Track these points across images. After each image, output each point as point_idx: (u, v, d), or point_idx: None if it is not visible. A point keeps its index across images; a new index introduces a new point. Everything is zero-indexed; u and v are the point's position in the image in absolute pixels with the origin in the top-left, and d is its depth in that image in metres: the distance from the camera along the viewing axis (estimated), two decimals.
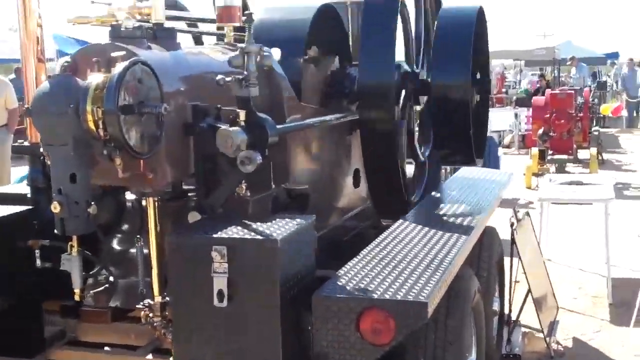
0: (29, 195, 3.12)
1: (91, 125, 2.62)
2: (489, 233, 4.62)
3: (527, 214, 5.58)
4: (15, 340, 3.06)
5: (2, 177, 8.82)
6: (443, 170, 5.66)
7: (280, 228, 2.71)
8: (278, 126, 3.27)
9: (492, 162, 9.79)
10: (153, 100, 2.75)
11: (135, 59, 2.69)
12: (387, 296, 2.65)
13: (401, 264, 3.04)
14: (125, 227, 3.31)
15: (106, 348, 3.37)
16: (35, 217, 2.98)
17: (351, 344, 2.64)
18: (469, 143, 4.42)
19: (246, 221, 2.79)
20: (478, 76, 4.64)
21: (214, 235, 2.62)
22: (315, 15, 4.40)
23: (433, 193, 4.70)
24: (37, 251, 3.09)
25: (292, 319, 2.67)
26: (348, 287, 2.74)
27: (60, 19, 3.32)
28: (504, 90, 23.06)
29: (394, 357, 3.34)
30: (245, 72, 3.01)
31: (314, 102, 4.45)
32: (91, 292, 3.07)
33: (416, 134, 4.69)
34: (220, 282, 2.58)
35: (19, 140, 3.23)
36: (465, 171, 5.39)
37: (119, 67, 2.61)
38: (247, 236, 2.62)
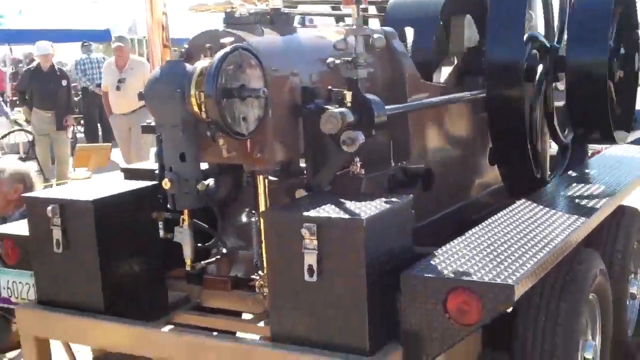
0: (156, 172, 3.37)
1: (195, 108, 2.82)
2: (629, 213, 4.44)
3: None
4: (142, 305, 3.33)
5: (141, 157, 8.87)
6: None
7: (373, 207, 2.78)
8: (389, 106, 3.34)
9: None
10: (255, 84, 2.90)
11: (236, 45, 2.85)
12: (475, 277, 2.66)
13: (503, 245, 3.03)
14: (242, 202, 3.49)
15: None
16: (160, 191, 3.22)
17: (439, 323, 2.68)
18: (607, 121, 4.25)
19: (343, 199, 2.88)
20: (622, 51, 4.43)
21: (305, 213, 2.74)
22: None
23: (570, 172, 4.58)
24: (160, 223, 3.36)
25: (382, 295, 2.74)
26: (440, 267, 2.78)
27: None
28: None
29: (503, 336, 3.38)
30: (354, 54, 3.10)
31: (448, 79, 4.46)
32: (202, 262, 3.28)
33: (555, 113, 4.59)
34: (310, 258, 2.69)
35: (147, 121, 3.49)
36: (615, 149, 5.18)
37: (219, 53, 2.78)
38: (335, 215, 2.71)
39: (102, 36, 17.42)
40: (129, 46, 10.25)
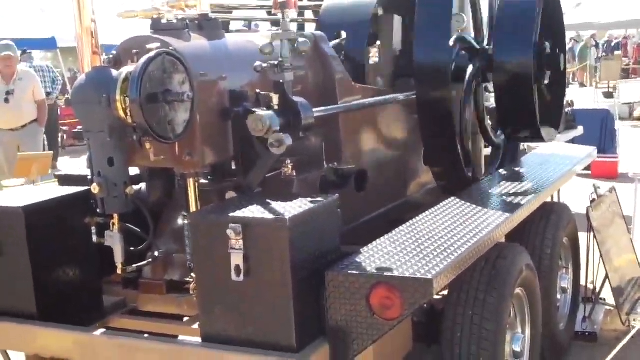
0: (89, 177, 3.40)
1: (121, 113, 2.86)
2: (558, 209, 4.58)
3: (612, 190, 5.44)
4: (76, 310, 3.35)
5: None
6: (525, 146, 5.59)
7: (298, 207, 2.84)
8: (317, 109, 3.42)
9: (607, 136, 9.49)
10: (181, 88, 2.95)
11: (160, 50, 2.90)
12: (396, 273, 2.75)
13: (427, 242, 3.12)
14: (175, 205, 3.53)
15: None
16: (92, 196, 3.24)
17: (363, 318, 2.77)
18: (534, 120, 4.37)
19: (270, 200, 2.94)
20: (548, 51, 4.56)
21: (230, 214, 2.80)
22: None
23: (501, 170, 4.70)
24: (93, 228, 3.39)
25: (308, 293, 2.81)
26: (364, 264, 2.86)
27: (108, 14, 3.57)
28: None
29: (432, 331, 3.47)
30: (280, 58, 3.17)
31: (380, 82, 4.55)
32: (133, 266, 3.32)
33: (486, 114, 4.71)
34: (237, 258, 2.75)
35: (79, 127, 3.51)
36: (546, 147, 5.32)
37: (143, 59, 2.83)
38: (259, 215, 2.77)
39: (48, 44, 17.28)
40: (17, 55, 9.23)
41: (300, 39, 3.22)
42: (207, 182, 3.37)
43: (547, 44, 4.48)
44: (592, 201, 5.05)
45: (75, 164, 9.60)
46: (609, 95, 19.20)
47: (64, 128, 14.51)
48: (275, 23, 4.91)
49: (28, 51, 14.55)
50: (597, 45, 26.79)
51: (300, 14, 5.05)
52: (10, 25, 16.56)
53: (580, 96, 16.32)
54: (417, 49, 4.05)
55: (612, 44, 27.06)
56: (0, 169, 8.99)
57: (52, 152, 9.62)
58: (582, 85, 25.04)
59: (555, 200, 5.34)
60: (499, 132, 4.85)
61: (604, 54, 25.74)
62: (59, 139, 13.92)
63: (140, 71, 2.79)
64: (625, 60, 24.73)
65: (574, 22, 20.51)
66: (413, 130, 4.48)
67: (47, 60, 19.98)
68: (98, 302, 3.50)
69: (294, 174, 3.37)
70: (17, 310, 3.27)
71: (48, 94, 12.78)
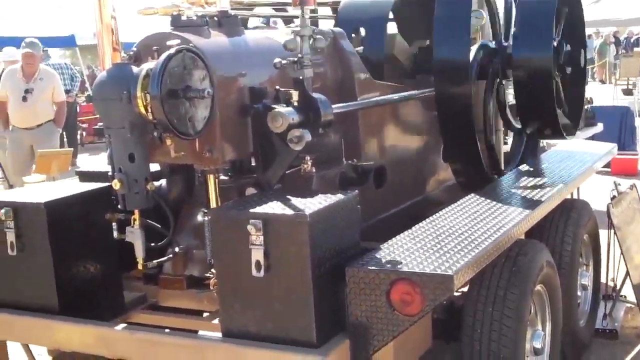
0: (109, 173, 3.42)
1: (142, 109, 2.88)
2: (578, 206, 4.55)
3: (633, 186, 5.40)
4: (97, 305, 3.38)
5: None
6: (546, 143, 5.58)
7: (317, 203, 2.85)
8: (337, 105, 3.42)
9: (627, 133, 9.44)
10: (201, 85, 2.96)
11: (181, 46, 2.91)
12: (417, 269, 2.74)
13: (447, 238, 3.11)
14: (195, 201, 3.54)
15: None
16: (112, 192, 3.27)
17: (383, 314, 2.76)
18: (554, 117, 4.36)
19: (289, 196, 2.95)
20: (568, 48, 4.54)
21: (250, 210, 2.80)
22: None
23: (521, 166, 4.68)
24: (114, 224, 3.41)
25: (328, 289, 2.81)
26: (384, 260, 2.86)
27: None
28: None
29: (452, 328, 3.46)
30: (300, 55, 3.17)
31: (399, 78, 4.54)
32: (154, 261, 3.34)
33: (508, 105, 4.70)
34: (257, 254, 2.76)
35: (99, 124, 3.54)
36: (566, 144, 5.29)
37: (164, 55, 2.84)
38: (280, 211, 2.78)
39: (67, 42, 17.37)
40: (40, 53, 9.09)
41: (317, 36, 3.22)
42: (226, 178, 3.38)
43: (565, 40, 4.47)
44: (613, 198, 5.02)
45: (95, 161, 9.62)
46: (628, 92, 19.07)
47: (83, 125, 14.61)
48: (291, 20, 4.94)
49: (44, 49, 14.63)
50: (617, 42, 26.59)
51: (313, 11, 5.05)
52: (29, 23, 16.66)
53: (600, 93, 16.22)
54: (437, 45, 4.04)
55: (632, 40, 26.84)
56: (5, 167, 8.99)
57: (72, 149, 9.64)
58: (602, 82, 24.87)
59: (575, 197, 5.31)
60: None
61: (623, 50, 25.54)
62: (78, 136, 14.01)
63: (161, 67, 2.80)
64: None
65: (593, 19, 20.36)
66: (432, 126, 4.47)
67: (65, 58, 20.09)
68: (119, 297, 3.52)
69: (313, 170, 3.37)
70: (38, 304, 3.29)
71: (67, 92, 12.89)
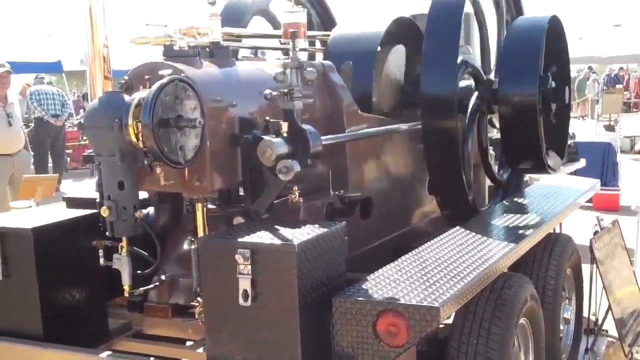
0: (97, 200, 3.43)
1: (133, 138, 2.89)
2: (562, 241, 4.59)
3: (615, 222, 5.47)
4: (82, 332, 3.37)
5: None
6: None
7: (305, 234, 2.87)
8: (325, 136, 3.46)
9: (609, 169, 9.54)
10: (193, 114, 2.99)
11: (173, 76, 2.95)
12: (403, 301, 2.77)
13: (433, 270, 3.14)
14: (183, 229, 3.55)
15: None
16: (100, 219, 3.27)
17: (369, 345, 2.78)
18: (539, 153, 4.41)
19: (277, 226, 2.97)
20: (553, 85, 4.61)
21: (238, 240, 2.82)
22: (388, 28, 4.54)
23: (505, 200, 4.73)
24: (100, 251, 3.41)
25: (314, 319, 2.82)
26: (370, 291, 2.88)
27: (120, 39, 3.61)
28: None
29: (437, 359, 3.47)
30: (290, 86, 3.21)
31: (386, 111, 4.59)
32: (140, 289, 3.34)
33: (490, 150, 4.75)
34: (244, 283, 2.77)
35: (88, 150, 3.56)
36: (549, 178, 5.35)
37: (156, 84, 2.87)
38: (268, 241, 2.80)
39: (54, 67, 17.42)
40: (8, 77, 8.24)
41: (307, 68, 3.27)
42: (214, 207, 3.40)
43: (551, 77, 4.54)
44: (595, 233, 5.07)
45: (78, 187, 9.56)
46: (610, 128, 19.28)
47: (68, 151, 14.62)
48: (284, 52, 4.98)
49: (40, 76, 14.71)
50: (597, 79, 26.93)
51: (311, 43, 5.11)
52: (18, 49, 16.76)
53: (582, 129, 16.39)
54: (424, 79, 4.10)
55: (612, 75, 27.18)
56: None
57: (57, 175, 9.62)
58: (582, 117, 25.13)
59: (558, 232, 5.35)
60: (501, 170, 4.91)
61: (604, 87, 25.86)
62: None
63: (153, 96, 2.83)
64: (626, 94, 24.85)
65: (577, 56, 20.63)
66: (418, 159, 4.52)
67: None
68: (103, 324, 3.52)
69: (301, 200, 3.40)
70: (23, 330, 3.28)
71: (57, 116, 13.05)
